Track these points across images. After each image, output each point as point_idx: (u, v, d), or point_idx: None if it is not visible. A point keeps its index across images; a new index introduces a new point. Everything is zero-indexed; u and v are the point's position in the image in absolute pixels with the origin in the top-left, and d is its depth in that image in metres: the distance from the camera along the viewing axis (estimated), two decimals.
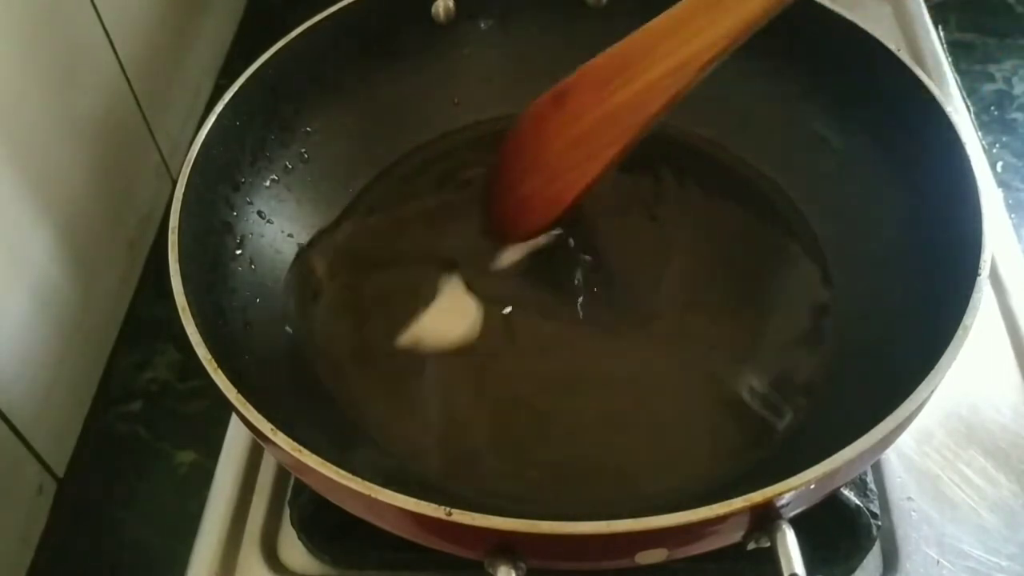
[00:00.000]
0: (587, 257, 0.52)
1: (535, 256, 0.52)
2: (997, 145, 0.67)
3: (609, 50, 0.46)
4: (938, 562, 0.44)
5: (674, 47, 0.43)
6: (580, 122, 0.48)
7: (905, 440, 0.48)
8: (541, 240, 0.52)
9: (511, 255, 0.52)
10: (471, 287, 0.51)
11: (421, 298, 0.50)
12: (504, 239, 0.52)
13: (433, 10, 0.56)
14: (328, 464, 0.34)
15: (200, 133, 0.46)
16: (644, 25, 0.45)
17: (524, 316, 0.50)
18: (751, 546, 0.35)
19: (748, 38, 0.41)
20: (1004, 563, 0.44)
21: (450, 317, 0.50)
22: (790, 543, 0.33)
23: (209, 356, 0.37)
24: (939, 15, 0.74)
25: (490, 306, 0.50)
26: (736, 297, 0.50)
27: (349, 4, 0.52)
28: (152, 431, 0.54)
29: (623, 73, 0.45)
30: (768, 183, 0.54)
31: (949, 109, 0.44)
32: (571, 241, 0.52)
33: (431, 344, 0.49)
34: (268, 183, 0.51)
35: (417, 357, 0.48)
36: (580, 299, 0.50)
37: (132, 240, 0.61)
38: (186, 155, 0.45)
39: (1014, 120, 0.69)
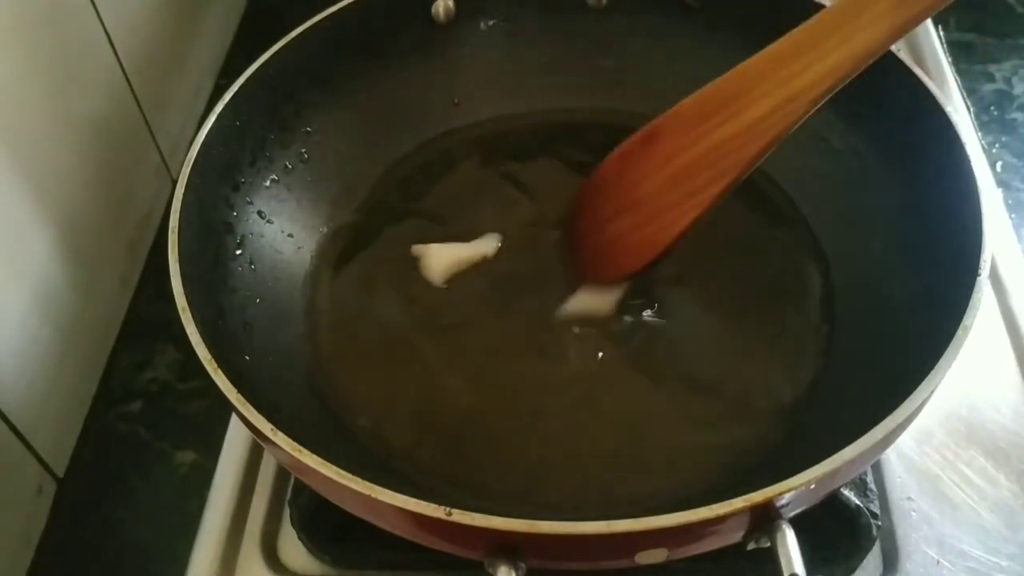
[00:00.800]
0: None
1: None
2: (997, 145, 0.67)
3: (703, 89, 0.45)
4: (938, 562, 0.44)
5: (778, 84, 0.42)
6: (674, 162, 0.46)
7: (905, 440, 0.48)
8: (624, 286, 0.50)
9: (595, 300, 0.50)
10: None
11: (423, 299, 0.51)
12: (592, 280, 0.51)
13: (433, 10, 0.56)
14: (328, 464, 0.34)
15: (200, 133, 0.46)
16: (740, 64, 0.43)
17: (525, 316, 0.50)
18: (751, 546, 0.35)
19: (862, 69, 0.40)
20: (1004, 563, 0.44)
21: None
22: (790, 543, 0.33)
23: (209, 356, 0.37)
24: (939, 15, 0.73)
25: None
26: (735, 296, 0.50)
27: (349, 4, 0.52)
28: (152, 431, 0.54)
29: (720, 112, 0.44)
30: (768, 183, 0.54)
31: (949, 109, 0.44)
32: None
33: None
34: (268, 183, 0.51)
35: (418, 357, 0.48)
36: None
37: (132, 240, 0.61)
38: (186, 155, 0.45)
39: (1014, 120, 0.69)
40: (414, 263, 0.52)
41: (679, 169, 0.46)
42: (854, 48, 0.39)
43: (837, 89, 0.40)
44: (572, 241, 0.52)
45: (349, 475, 0.33)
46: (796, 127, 0.42)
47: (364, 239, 0.53)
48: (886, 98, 0.48)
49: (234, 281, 0.46)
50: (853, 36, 0.39)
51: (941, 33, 0.72)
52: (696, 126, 0.45)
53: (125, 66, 0.59)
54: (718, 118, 0.44)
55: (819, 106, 0.41)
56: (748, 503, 0.32)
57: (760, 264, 0.51)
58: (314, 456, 0.34)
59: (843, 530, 0.44)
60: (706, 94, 0.45)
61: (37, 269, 0.50)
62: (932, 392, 0.35)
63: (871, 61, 0.39)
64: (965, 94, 0.70)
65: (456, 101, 0.58)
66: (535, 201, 0.55)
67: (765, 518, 0.33)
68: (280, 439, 0.35)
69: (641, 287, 0.50)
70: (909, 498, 0.46)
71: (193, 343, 0.38)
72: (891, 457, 0.48)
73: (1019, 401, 0.50)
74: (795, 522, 0.34)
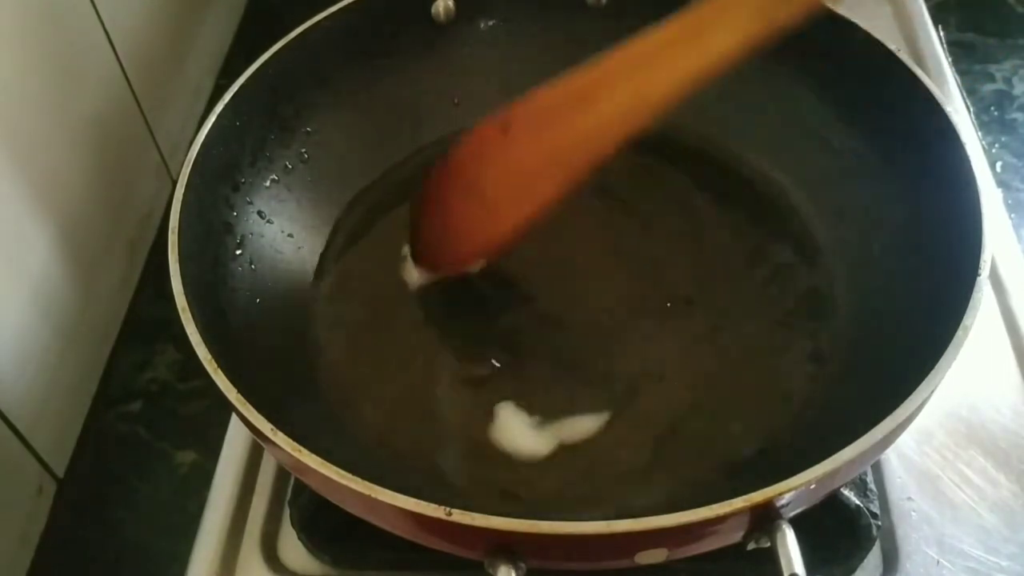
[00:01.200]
0: None
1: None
2: (997, 145, 0.67)
3: (560, 80, 0.42)
4: (938, 562, 0.44)
5: (630, 83, 0.40)
6: (521, 153, 0.44)
7: (905, 440, 0.48)
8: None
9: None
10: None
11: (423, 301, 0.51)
12: (426, 265, 0.49)
13: (433, 10, 0.56)
14: (328, 464, 0.34)
15: (200, 133, 0.46)
16: (601, 56, 0.41)
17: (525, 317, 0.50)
18: (751, 546, 0.35)
19: (716, 78, 0.39)
20: (1004, 563, 0.44)
21: None
22: (790, 543, 0.33)
23: (209, 356, 0.37)
24: (939, 15, 0.74)
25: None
26: (734, 296, 0.50)
27: (349, 4, 0.52)
28: (152, 431, 0.54)
29: (573, 107, 0.42)
30: (767, 183, 0.54)
31: (949, 109, 0.44)
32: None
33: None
34: (268, 183, 0.51)
35: (417, 357, 0.48)
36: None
37: (132, 240, 0.61)
38: (186, 155, 0.45)
39: (1014, 120, 0.69)
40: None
41: (524, 162, 0.44)
42: (703, 58, 0.38)
43: (684, 97, 0.39)
44: (413, 223, 0.50)
45: (349, 475, 0.33)
46: (642, 131, 0.40)
47: (364, 239, 0.53)
48: (886, 98, 0.48)
49: (234, 281, 0.46)
50: (706, 43, 0.38)
51: (941, 33, 0.72)
52: (548, 118, 0.43)
53: (125, 66, 0.59)
54: (570, 112, 0.42)
55: (668, 109, 0.39)
56: (748, 503, 0.32)
57: (758, 264, 0.51)
58: (314, 456, 0.34)
59: (843, 530, 0.44)
60: (563, 85, 0.42)
61: (37, 269, 0.50)
62: (932, 392, 0.35)
63: (724, 72, 0.38)
64: (965, 94, 0.69)
65: (456, 101, 0.58)
66: None
67: (765, 518, 0.33)
68: (280, 439, 0.35)
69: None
70: (909, 498, 0.46)
71: (193, 343, 0.38)
72: (891, 457, 0.48)
73: (1019, 401, 0.50)
74: (795, 522, 0.34)
